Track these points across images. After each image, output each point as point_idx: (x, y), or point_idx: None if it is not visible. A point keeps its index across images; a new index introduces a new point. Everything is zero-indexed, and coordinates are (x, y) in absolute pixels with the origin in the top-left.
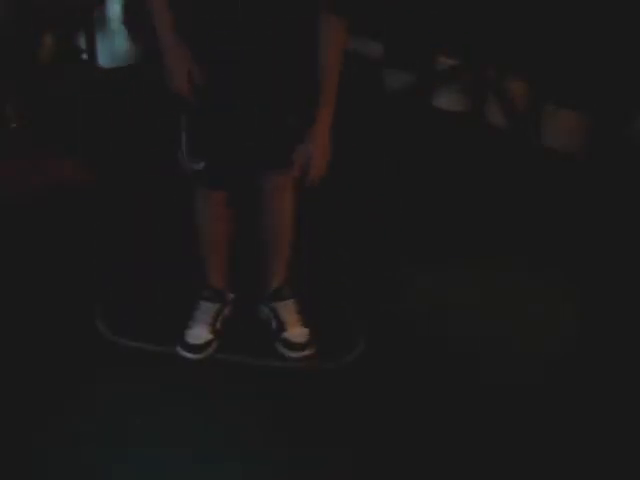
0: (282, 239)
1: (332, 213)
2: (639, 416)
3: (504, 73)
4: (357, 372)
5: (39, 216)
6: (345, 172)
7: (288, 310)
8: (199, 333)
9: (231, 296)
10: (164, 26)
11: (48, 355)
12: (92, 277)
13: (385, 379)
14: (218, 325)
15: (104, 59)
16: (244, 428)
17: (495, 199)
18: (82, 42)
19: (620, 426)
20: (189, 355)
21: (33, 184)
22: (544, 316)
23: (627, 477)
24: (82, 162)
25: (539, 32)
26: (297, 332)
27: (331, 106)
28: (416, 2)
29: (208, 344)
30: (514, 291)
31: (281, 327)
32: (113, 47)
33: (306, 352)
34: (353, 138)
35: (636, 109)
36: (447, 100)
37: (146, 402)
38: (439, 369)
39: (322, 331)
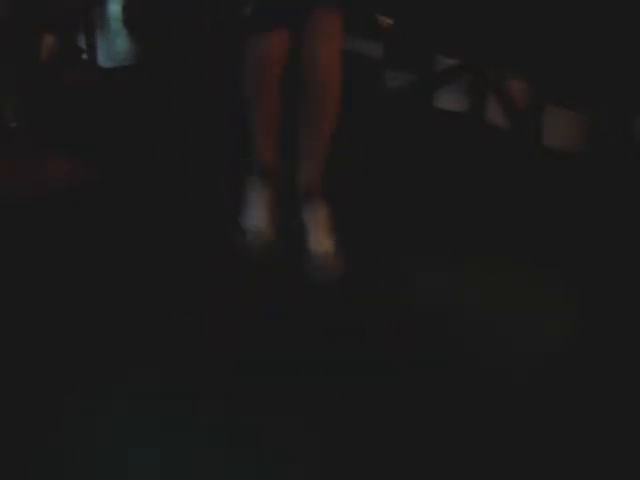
0: (321, 133)
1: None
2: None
3: (504, 73)
4: (356, 370)
5: (39, 216)
6: (344, 172)
7: (316, 221)
8: (258, 215)
9: (281, 170)
10: None
11: (46, 355)
12: (92, 279)
13: (384, 379)
14: (273, 208)
15: (104, 59)
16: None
17: (495, 199)
18: (82, 42)
19: (621, 426)
20: (250, 239)
21: (33, 184)
22: (544, 316)
23: (627, 477)
24: (82, 162)
25: (539, 32)
26: (321, 249)
27: None
28: (416, 2)
29: (267, 227)
30: (514, 291)
31: (306, 242)
32: (113, 47)
33: (330, 274)
34: (353, 138)
35: (637, 109)
36: (447, 100)
37: (148, 402)
38: (438, 369)
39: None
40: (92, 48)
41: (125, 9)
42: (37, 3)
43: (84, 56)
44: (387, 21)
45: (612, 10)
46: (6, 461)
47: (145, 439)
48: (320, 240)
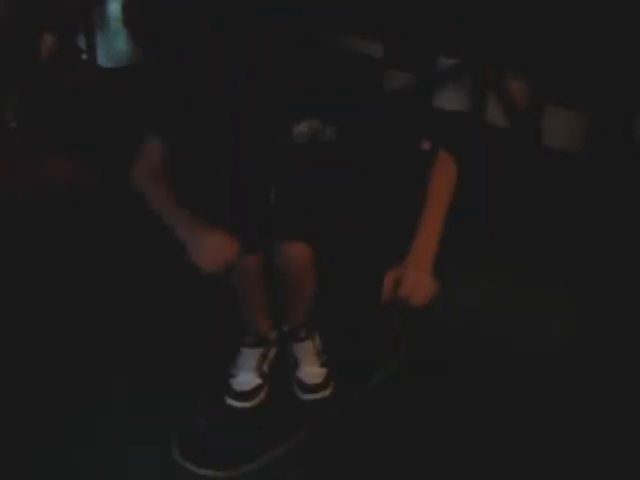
0: (297, 295)
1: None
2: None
3: (504, 73)
4: (357, 370)
5: (39, 216)
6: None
7: (305, 351)
8: (246, 379)
9: (274, 334)
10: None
11: (46, 355)
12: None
13: (384, 379)
14: (265, 368)
15: (104, 59)
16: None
17: (495, 199)
18: (82, 42)
19: (621, 426)
20: (239, 404)
21: (33, 184)
22: (544, 316)
23: (627, 477)
24: (82, 162)
25: (539, 31)
26: (312, 372)
27: (431, 230)
28: (416, 2)
29: (258, 389)
30: (514, 291)
31: (296, 366)
32: (113, 47)
33: (320, 394)
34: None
35: (637, 109)
36: (447, 100)
37: (148, 402)
38: (438, 369)
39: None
40: (92, 48)
41: (125, 9)
42: (37, 3)
43: (84, 56)
44: None
45: (612, 10)
46: (6, 461)
47: (145, 439)
48: (310, 372)
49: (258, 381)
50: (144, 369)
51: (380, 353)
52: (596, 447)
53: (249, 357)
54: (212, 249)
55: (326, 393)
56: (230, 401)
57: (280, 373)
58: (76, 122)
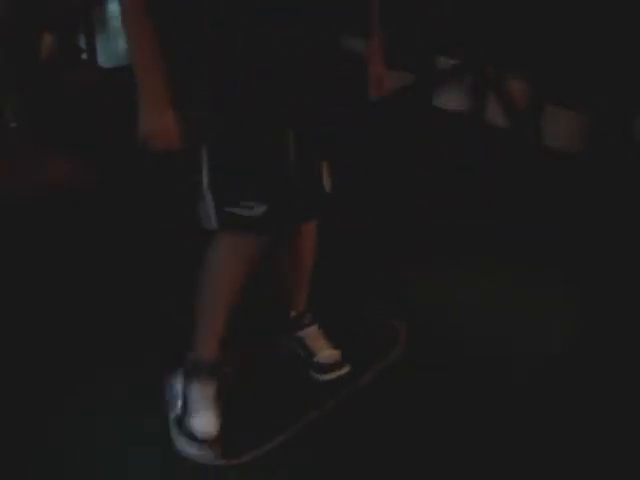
0: (306, 273)
1: (332, 213)
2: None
3: (504, 73)
4: (356, 370)
5: (39, 216)
6: (344, 172)
7: (314, 336)
8: (206, 422)
9: (227, 366)
10: (146, 42)
11: (46, 355)
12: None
13: (384, 379)
14: (221, 404)
15: (104, 59)
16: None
17: (495, 199)
18: (82, 42)
19: (621, 427)
20: (202, 453)
21: (33, 184)
22: (545, 316)
23: (627, 477)
24: (82, 162)
25: (539, 31)
26: (328, 354)
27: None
28: (416, 2)
29: (219, 434)
30: (514, 291)
31: (310, 353)
32: (113, 47)
33: (340, 372)
34: (352, 138)
35: (637, 109)
36: (447, 100)
37: (148, 402)
38: (438, 369)
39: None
40: (92, 48)
41: None
42: (37, 3)
43: (84, 56)
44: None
45: (612, 11)
46: (6, 461)
47: (145, 439)
48: (326, 355)
49: (218, 421)
50: (144, 369)
51: (379, 348)
52: (596, 447)
53: (202, 393)
54: (158, 131)
55: (345, 371)
56: (191, 450)
57: (279, 366)
58: (76, 122)
